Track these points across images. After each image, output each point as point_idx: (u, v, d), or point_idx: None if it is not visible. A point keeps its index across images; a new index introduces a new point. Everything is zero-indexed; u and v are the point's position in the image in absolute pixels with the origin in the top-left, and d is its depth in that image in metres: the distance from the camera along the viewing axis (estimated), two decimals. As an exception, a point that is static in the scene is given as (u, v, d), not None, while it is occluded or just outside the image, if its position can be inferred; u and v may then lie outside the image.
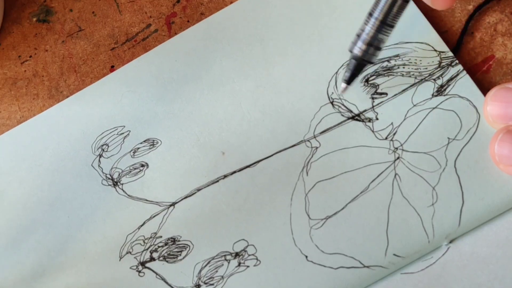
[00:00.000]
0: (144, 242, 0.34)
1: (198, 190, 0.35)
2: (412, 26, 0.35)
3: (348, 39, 0.36)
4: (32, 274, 0.35)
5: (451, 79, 0.34)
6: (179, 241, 0.34)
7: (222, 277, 0.32)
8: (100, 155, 0.36)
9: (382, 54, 0.35)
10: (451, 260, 0.31)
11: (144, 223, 0.34)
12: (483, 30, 0.35)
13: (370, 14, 0.31)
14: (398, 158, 0.33)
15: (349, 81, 0.33)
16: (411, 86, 0.34)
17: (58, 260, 0.35)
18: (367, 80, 0.35)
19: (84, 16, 0.41)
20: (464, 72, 0.34)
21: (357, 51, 0.32)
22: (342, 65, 0.35)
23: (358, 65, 0.32)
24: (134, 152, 0.36)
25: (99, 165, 0.36)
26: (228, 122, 0.36)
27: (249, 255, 0.33)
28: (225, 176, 0.34)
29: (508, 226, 0.31)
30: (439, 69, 0.34)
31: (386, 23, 0.31)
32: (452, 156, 0.32)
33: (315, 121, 0.34)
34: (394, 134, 0.33)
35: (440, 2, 0.32)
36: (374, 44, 0.31)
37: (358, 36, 0.32)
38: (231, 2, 0.39)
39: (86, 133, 0.37)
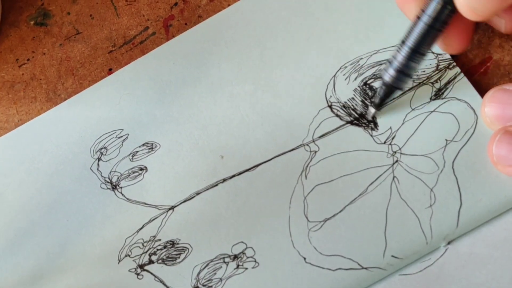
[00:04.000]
0: (143, 245, 0.34)
1: (197, 194, 0.34)
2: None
3: (346, 42, 0.36)
4: (31, 277, 0.35)
5: (448, 82, 0.34)
6: (178, 244, 0.34)
7: (221, 279, 0.33)
8: (99, 159, 0.36)
9: (381, 56, 0.35)
10: (449, 261, 0.31)
11: (143, 227, 0.34)
12: (481, 31, 0.35)
13: (403, 42, 0.31)
14: (396, 161, 0.33)
15: (378, 107, 0.33)
16: (409, 90, 0.34)
17: (57, 263, 0.35)
18: (365, 83, 0.35)
19: (82, 19, 0.41)
20: (462, 74, 0.34)
21: (387, 77, 0.32)
22: (340, 68, 0.35)
23: (388, 92, 0.32)
24: (133, 156, 0.36)
25: (98, 169, 0.36)
26: (227, 125, 0.36)
27: (247, 257, 0.33)
28: (224, 180, 0.34)
29: (506, 227, 0.31)
30: (436, 71, 0.34)
31: (418, 52, 0.31)
32: (450, 157, 0.32)
33: (314, 125, 0.34)
34: (393, 138, 0.33)
35: (454, 47, 0.32)
36: (405, 72, 0.31)
37: (390, 63, 0.32)
38: (229, 5, 0.39)
39: (84, 136, 0.37)
